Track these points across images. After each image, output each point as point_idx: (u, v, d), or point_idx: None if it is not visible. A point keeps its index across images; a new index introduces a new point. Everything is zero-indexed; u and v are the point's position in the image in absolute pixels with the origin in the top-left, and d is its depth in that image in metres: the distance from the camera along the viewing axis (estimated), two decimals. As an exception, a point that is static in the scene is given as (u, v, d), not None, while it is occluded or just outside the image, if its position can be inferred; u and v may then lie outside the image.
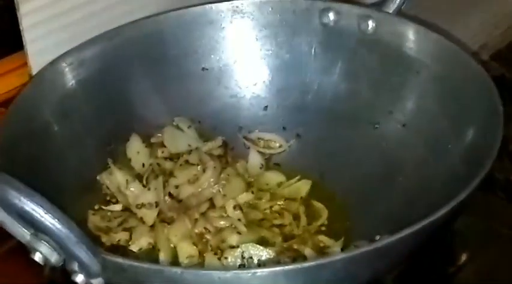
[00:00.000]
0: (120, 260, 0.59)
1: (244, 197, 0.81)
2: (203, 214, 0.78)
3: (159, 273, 0.59)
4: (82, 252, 0.58)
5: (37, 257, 0.60)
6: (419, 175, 0.79)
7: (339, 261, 0.59)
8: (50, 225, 0.56)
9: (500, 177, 0.91)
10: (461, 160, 0.74)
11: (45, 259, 0.60)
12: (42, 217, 0.56)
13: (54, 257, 0.59)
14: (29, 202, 0.56)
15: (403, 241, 0.60)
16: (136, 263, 0.60)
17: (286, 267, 0.58)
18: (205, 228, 0.77)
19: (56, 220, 0.56)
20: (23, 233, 0.60)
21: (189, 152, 0.83)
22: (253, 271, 0.58)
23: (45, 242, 0.59)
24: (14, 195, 0.56)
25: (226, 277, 0.58)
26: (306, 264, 0.59)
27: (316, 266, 0.58)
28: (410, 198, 0.78)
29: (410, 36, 0.84)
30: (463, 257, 0.79)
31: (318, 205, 0.82)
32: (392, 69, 0.85)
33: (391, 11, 0.86)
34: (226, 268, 0.72)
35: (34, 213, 0.56)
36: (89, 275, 0.59)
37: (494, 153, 0.68)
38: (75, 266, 0.59)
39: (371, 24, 0.86)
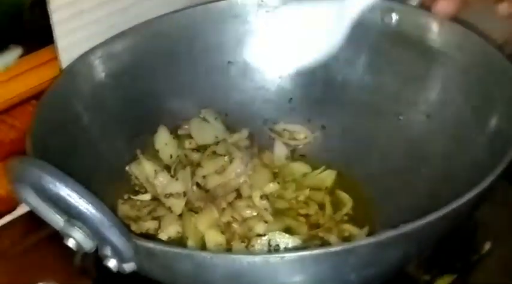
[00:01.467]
0: (151, 245, 0.61)
1: (271, 187, 0.82)
2: (230, 204, 0.80)
3: (189, 258, 0.61)
4: (115, 236, 0.59)
5: (70, 243, 0.62)
6: (443, 165, 0.80)
7: (366, 246, 0.60)
8: (85, 210, 0.58)
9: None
10: (484, 150, 0.75)
11: (79, 245, 0.61)
12: (76, 202, 0.57)
13: (87, 243, 0.61)
14: (63, 187, 0.57)
15: (428, 226, 0.61)
16: (167, 248, 0.61)
17: (314, 251, 0.59)
18: (232, 217, 0.78)
19: (90, 205, 0.58)
20: (57, 220, 0.62)
21: (216, 143, 0.85)
22: (281, 255, 0.59)
23: (79, 229, 0.61)
24: (49, 180, 0.58)
25: (255, 261, 0.60)
26: (333, 248, 0.60)
27: (344, 251, 0.60)
28: (435, 188, 0.79)
29: (434, 28, 0.85)
30: (486, 246, 0.80)
31: (343, 194, 0.83)
32: (416, 61, 0.86)
33: (414, 4, 0.87)
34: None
35: (69, 197, 0.58)
36: (122, 259, 0.61)
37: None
38: (108, 251, 0.61)
39: (394, 16, 0.87)
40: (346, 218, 0.82)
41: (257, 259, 0.60)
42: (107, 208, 0.58)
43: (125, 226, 0.61)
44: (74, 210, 0.58)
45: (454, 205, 0.62)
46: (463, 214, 0.66)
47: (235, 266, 0.60)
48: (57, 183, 0.57)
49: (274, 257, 0.59)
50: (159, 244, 0.61)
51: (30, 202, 0.61)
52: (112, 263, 0.62)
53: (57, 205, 0.60)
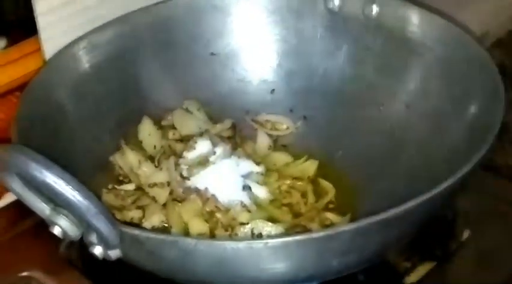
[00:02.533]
0: (137, 232, 0.62)
1: (254, 177, 0.83)
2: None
3: (174, 244, 0.62)
4: (101, 223, 0.60)
5: (56, 230, 0.63)
6: (423, 154, 0.81)
7: (347, 232, 0.61)
8: (71, 197, 0.58)
9: (502, 163, 0.93)
10: (463, 139, 0.76)
11: (64, 232, 0.62)
12: (63, 189, 0.58)
13: (73, 231, 0.62)
14: (50, 174, 0.58)
15: (407, 213, 0.63)
16: (152, 235, 0.62)
17: (298, 237, 0.60)
18: (216, 206, 0.79)
19: (77, 191, 0.58)
20: (43, 208, 0.63)
21: (200, 134, 0.85)
22: (265, 241, 0.60)
23: (64, 216, 0.61)
24: (35, 167, 0.58)
25: (239, 247, 0.61)
26: (315, 234, 0.61)
27: (325, 237, 0.61)
28: (415, 176, 0.80)
29: (414, 19, 0.86)
30: (465, 234, 0.81)
31: (325, 183, 0.84)
32: (396, 52, 0.87)
33: (394, -5, 0.88)
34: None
35: (55, 184, 0.58)
36: (107, 246, 0.62)
37: (495, 130, 0.70)
38: (94, 238, 0.62)
39: (375, 8, 0.88)
40: (329, 206, 0.82)
41: (241, 245, 0.61)
42: (93, 195, 0.59)
43: (110, 213, 0.62)
44: (60, 196, 0.58)
45: (432, 192, 0.63)
46: (441, 202, 0.67)
47: (219, 253, 0.61)
48: (43, 170, 0.58)
49: (257, 243, 0.60)
50: (144, 231, 0.62)
51: (16, 190, 0.62)
52: (98, 250, 0.63)
53: (44, 192, 0.61)
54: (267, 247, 0.60)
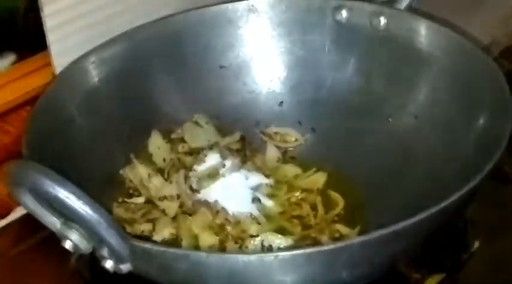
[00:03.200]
0: (148, 245, 0.62)
1: (263, 190, 0.83)
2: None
3: (185, 257, 0.62)
4: (112, 237, 0.60)
5: (67, 244, 0.63)
6: (433, 165, 0.81)
7: (357, 245, 0.61)
8: (82, 212, 0.59)
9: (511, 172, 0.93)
10: (472, 150, 0.76)
11: (75, 246, 0.63)
12: (74, 204, 0.59)
13: (84, 245, 0.62)
14: (62, 189, 0.59)
15: (417, 225, 0.63)
16: (163, 248, 0.63)
17: (307, 250, 0.61)
18: (226, 219, 0.79)
19: (88, 206, 0.59)
20: (53, 222, 0.63)
21: (209, 147, 0.86)
22: (275, 254, 0.60)
23: (75, 230, 0.62)
24: (47, 183, 0.59)
25: (250, 260, 0.61)
26: (326, 247, 0.61)
27: (336, 250, 0.61)
28: (424, 188, 0.80)
29: (422, 31, 0.86)
30: (476, 244, 0.81)
31: (335, 194, 0.84)
32: (404, 64, 0.88)
33: (402, 7, 0.89)
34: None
35: (67, 200, 0.59)
36: (118, 260, 0.62)
37: (504, 141, 0.70)
38: (105, 252, 0.62)
39: (383, 20, 0.89)
40: (337, 218, 0.82)
41: (252, 258, 0.61)
42: (103, 210, 0.60)
43: (121, 227, 0.62)
44: (72, 212, 0.59)
45: (442, 204, 0.63)
46: (451, 213, 0.67)
47: (230, 266, 0.62)
48: (56, 186, 0.58)
49: (268, 256, 0.61)
50: (155, 244, 0.62)
51: (28, 205, 0.62)
52: (109, 264, 0.63)
53: (55, 207, 0.61)
54: (277, 259, 0.60)
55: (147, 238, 0.79)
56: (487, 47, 1.09)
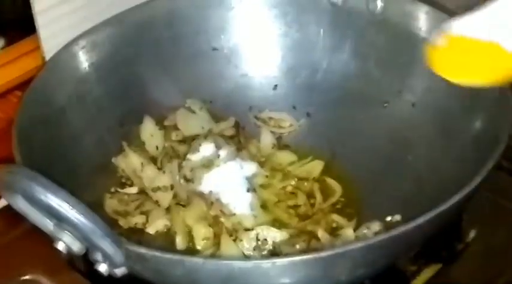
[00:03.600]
0: (143, 250, 0.61)
1: (258, 179, 0.82)
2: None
3: (181, 263, 0.61)
4: (107, 244, 0.59)
5: (60, 246, 0.62)
6: (429, 155, 0.80)
7: (357, 250, 0.60)
8: (76, 220, 0.58)
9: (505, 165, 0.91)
10: (471, 142, 0.76)
11: (69, 248, 0.61)
12: (68, 212, 0.58)
13: (76, 246, 0.61)
14: (54, 197, 0.57)
15: (418, 228, 0.62)
16: (158, 254, 0.61)
17: (305, 256, 0.60)
18: (220, 211, 0.78)
19: (82, 215, 0.58)
20: (46, 224, 0.62)
21: (204, 136, 0.84)
22: (272, 260, 0.60)
23: (68, 232, 0.61)
24: (40, 191, 0.58)
25: (247, 267, 0.60)
26: (324, 253, 0.60)
27: (334, 255, 0.60)
28: (420, 177, 0.80)
29: (419, 16, 0.85)
30: (471, 234, 0.80)
31: (332, 182, 0.83)
32: (401, 49, 0.86)
33: (399, -9, 0.87)
34: (245, 255, 0.74)
35: (60, 208, 0.58)
36: (113, 265, 0.61)
37: (505, 136, 0.69)
38: (99, 256, 0.61)
39: (379, 3, 0.87)
40: (334, 207, 0.81)
41: (249, 264, 0.61)
42: (98, 217, 0.59)
43: (110, 223, 0.61)
44: (66, 220, 0.58)
45: (443, 207, 0.63)
46: (452, 213, 0.66)
47: (227, 272, 0.61)
48: (48, 194, 0.57)
49: (266, 263, 0.60)
50: (150, 249, 0.61)
51: (20, 207, 0.61)
52: (103, 268, 0.62)
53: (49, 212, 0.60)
54: (275, 266, 0.60)
55: (141, 231, 0.78)
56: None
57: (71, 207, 0.57)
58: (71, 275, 0.77)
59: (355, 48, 0.89)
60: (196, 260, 0.61)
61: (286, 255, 0.70)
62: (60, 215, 0.58)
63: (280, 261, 0.60)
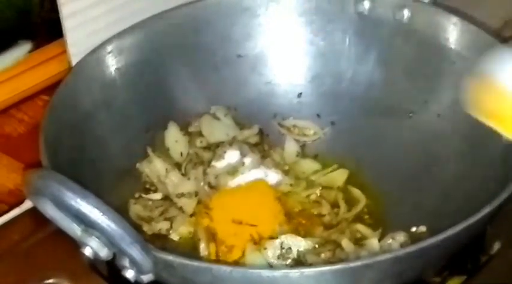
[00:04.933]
0: (171, 257, 0.61)
1: (283, 187, 0.82)
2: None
3: (208, 271, 0.61)
4: (135, 251, 0.59)
5: (87, 251, 0.62)
6: (455, 167, 0.80)
7: (385, 261, 0.60)
8: (106, 226, 0.58)
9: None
10: (498, 155, 0.75)
11: (95, 253, 0.61)
12: (98, 218, 0.58)
13: (104, 252, 0.61)
14: (85, 203, 0.57)
15: (447, 240, 0.62)
16: (186, 261, 0.61)
17: (334, 267, 0.60)
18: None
19: (112, 221, 0.58)
20: (74, 229, 0.62)
21: (229, 143, 0.84)
22: (301, 270, 0.60)
23: (96, 238, 0.61)
24: (71, 197, 0.58)
25: (275, 276, 0.60)
26: (352, 264, 0.60)
27: (362, 266, 0.60)
28: (446, 188, 0.80)
29: (446, 26, 0.85)
30: (496, 246, 0.80)
31: (356, 191, 0.83)
32: (428, 59, 0.86)
33: (426, 0, 0.87)
34: (269, 262, 0.74)
35: (90, 214, 0.58)
36: (140, 271, 0.61)
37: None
38: (126, 262, 0.61)
39: (406, 13, 0.87)
40: (360, 215, 0.81)
41: (277, 274, 0.60)
42: (127, 224, 0.59)
43: (139, 232, 0.61)
44: (95, 225, 0.58)
45: (471, 219, 0.63)
46: (480, 226, 0.66)
47: (254, 280, 0.61)
48: (79, 199, 0.57)
49: (294, 273, 0.60)
50: (178, 257, 0.61)
51: (49, 212, 0.61)
52: (130, 274, 0.62)
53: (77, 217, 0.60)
54: (303, 276, 0.60)
55: (165, 236, 0.78)
56: (499, 29, 1.07)
57: (102, 213, 0.57)
58: (94, 280, 0.77)
59: (380, 58, 0.89)
60: (224, 268, 0.61)
61: (315, 265, 0.70)
62: (90, 220, 0.58)
63: (308, 271, 0.60)
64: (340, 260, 0.68)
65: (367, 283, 0.63)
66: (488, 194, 0.67)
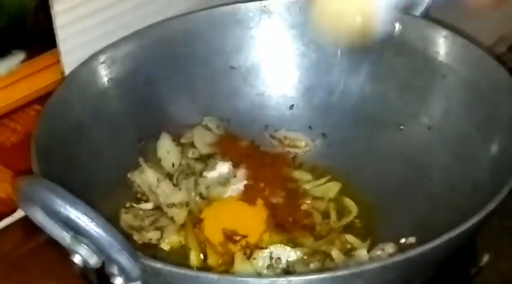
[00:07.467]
0: (159, 265, 0.61)
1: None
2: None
3: (196, 279, 0.61)
4: (124, 258, 0.59)
5: (76, 259, 0.62)
6: (444, 179, 0.80)
7: (372, 270, 0.60)
8: (95, 233, 0.58)
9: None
10: (487, 168, 0.75)
11: (85, 261, 0.62)
12: (87, 225, 0.58)
13: (93, 260, 0.61)
14: (73, 210, 0.58)
15: (434, 249, 0.62)
16: (174, 269, 0.61)
17: (322, 275, 0.60)
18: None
19: (100, 228, 0.58)
20: (63, 236, 0.62)
21: (220, 154, 0.85)
22: (288, 278, 0.60)
23: (85, 245, 0.61)
24: (60, 203, 0.58)
25: (262, 284, 0.60)
26: (340, 272, 0.60)
27: (350, 275, 0.60)
28: (435, 200, 0.80)
29: (437, 39, 0.85)
30: (485, 258, 0.80)
31: (348, 201, 0.83)
32: (419, 72, 0.86)
33: (418, 14, 0.87)
34: (258, 272, 0.74)
35: (79, 220, 0.58)
36: (129, 279, 0.61)
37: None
38: (115, 269, 0.61)
39: (397, 26, 0.87)
40: (352, 224, 0.82)
41: (264, 281, 0.61)
42: (116, 230, 0.59)
43: (130, 241, 0.62)
44: (84, 232, 0.58)
45: (458, 230, 0.63)
46: (467, 236, 0.66)
47: (242, 288, 0.61)
48: (68, 206, 0.57)
49: (281, 281, 0.60)
50: (166, 264, 0.61)
51: (38, 220, 0.61)
52: (118, 282, 0.62)
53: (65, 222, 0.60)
54: (289, 284, 0.60)
55: (155, 246, 0.79)
56: (495, 43, 1.08)
57: (90, 220, 0.57)
58: (86, 288, 0.78)
59: (372, 70, 0.89)
60: (211, 276, 0.61)
61: (303, 273, 0.70)
62: (79, 227, 0.58)
63: (295, 279, 0.60)
64: (330, 270, 0.67)
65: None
66: (477, 206, 0.67)
